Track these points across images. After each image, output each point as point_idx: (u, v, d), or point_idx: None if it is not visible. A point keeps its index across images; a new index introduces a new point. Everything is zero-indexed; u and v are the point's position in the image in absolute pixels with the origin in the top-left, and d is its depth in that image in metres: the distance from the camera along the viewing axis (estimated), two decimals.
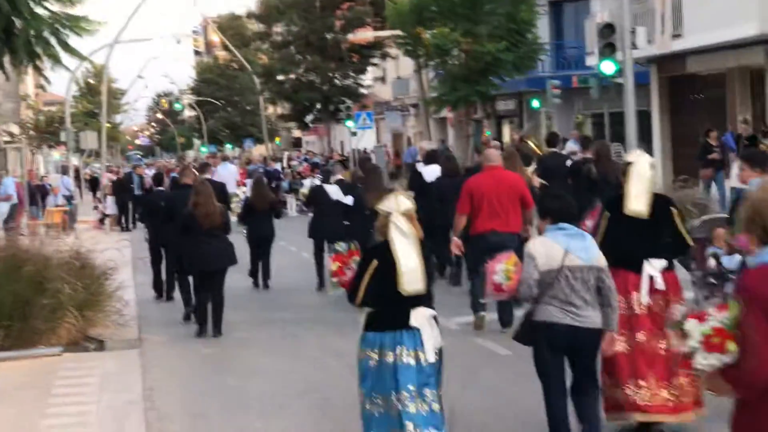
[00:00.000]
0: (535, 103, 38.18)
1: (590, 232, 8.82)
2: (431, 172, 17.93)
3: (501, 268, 8.25)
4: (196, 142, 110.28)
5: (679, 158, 28.98)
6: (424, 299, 7.87)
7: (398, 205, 7.93)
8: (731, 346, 4.53)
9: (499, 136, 43.29)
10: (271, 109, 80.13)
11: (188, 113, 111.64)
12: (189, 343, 14.78)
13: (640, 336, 8.83)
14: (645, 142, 33.82)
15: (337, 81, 54.89)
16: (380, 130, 66.49)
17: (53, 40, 16.01)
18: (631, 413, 8.85)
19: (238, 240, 18.76)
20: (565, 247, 7.96)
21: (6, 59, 16.19)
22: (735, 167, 25.12)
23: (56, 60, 16.19)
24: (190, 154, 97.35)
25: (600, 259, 8.08)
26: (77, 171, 56.63)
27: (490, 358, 12.40)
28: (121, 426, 10.62)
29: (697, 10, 29.54)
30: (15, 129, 69.27)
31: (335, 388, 11.36)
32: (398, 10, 36.46)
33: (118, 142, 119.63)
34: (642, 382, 8.78)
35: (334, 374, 12.13)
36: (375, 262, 7.85)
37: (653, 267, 7.23)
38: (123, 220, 35.87)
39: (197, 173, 18.39)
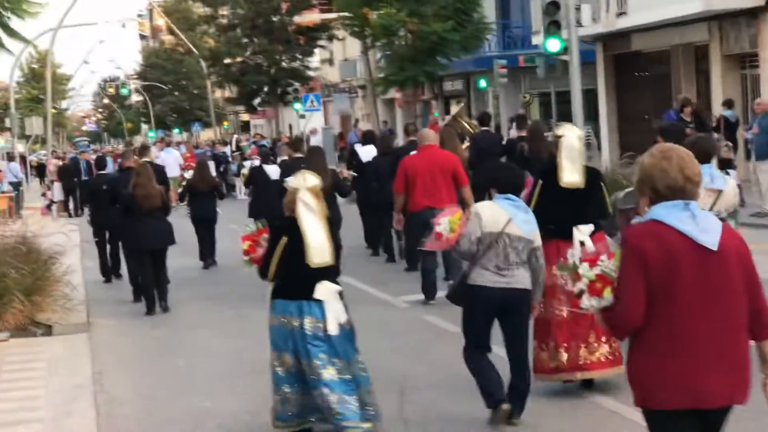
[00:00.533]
0: (482, 83, 38.27)
1: (525, 201, 9.11)
2: (367, 152, 18.78)
3: (445, 220, 8.67)
4: (144, 127, 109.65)
5: (625, 135, 29.20)
6: (330, 273, 8.27)
7: (305, 181, 8.31)
8: (607, 292, 5.12)
9: (453, 116, 43.38)
10: (218, 93, 79.76)
11: (135, 98, 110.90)
12: (138, 326, 14.73)
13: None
14: (592, 119, 34.07)
15: (284, 64, 54.76)
16: (328, 113, 66.39)
17: None
18: (572, 372, 9.37)
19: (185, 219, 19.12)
20: (509, 215, 8.40)
21: None
22: None
23: None
24: (138, 140, 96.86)
25: (537, 236, 8.53)
26: (23, 157, 56.06)
27: (439, 334, 12.43)
28: (70, 409, 10.55)
29: None
30: None
31: None
32: None
33: (65, 128, 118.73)
34: (581, 343, 9.28)
35: None
36: (284, 239, 8.27)
37: (582, 232, 7.04)
38: (71, 206, 35.59)
39: (138, 156, 18.69)
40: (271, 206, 13.50)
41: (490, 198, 8.80)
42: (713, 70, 28.91)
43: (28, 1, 15.97)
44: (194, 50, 62.99)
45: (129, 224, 15.69)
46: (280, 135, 56.03)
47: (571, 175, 9.44)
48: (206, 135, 79.57)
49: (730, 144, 22.64)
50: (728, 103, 24.88)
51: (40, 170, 57.55)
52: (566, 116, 34.03)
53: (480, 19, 35.74)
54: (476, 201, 9.88)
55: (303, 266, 8.17)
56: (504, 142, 18.52)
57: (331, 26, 54.68)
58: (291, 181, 8.46)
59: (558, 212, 9.25)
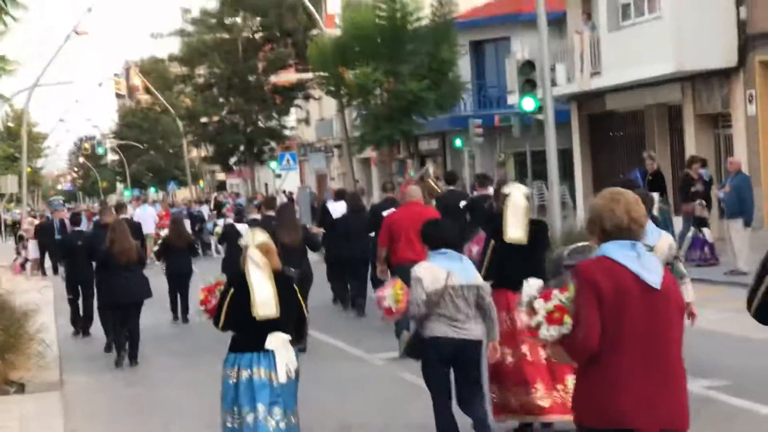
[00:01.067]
0: (458, 142, 38.46)
1: (478, 257, 10.12)
2: (338, 209, 19.47)
3: (389, 293, 9.15)
4: (119, 186, 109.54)
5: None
6: (280, 324, 8.55)
7: (254, 239, 8.78)
8: (567, 319, 5.52)
9: (421, 176, 43.48)
10: (194, 152, 79.84)
11: (111, 157, 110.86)
12: (111, 384, 14.63)
13: (524, 348, 9.84)
14: (567, 178, 34.25)
15: (260, 123, 54.87)
16: (304, 172, 66.50)
17: None
18: (527, 416, 9.84)
19: (160, 277, 19.18)
20: (447, 269, 8.94)
21: None
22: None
23: None
24: (113, 198, 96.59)
25: (478, 279, 9.13)
26: None
27: (416, 392, 12.35)
28: None
29: (614, 48, 30.02)
30: None
31: None
32: (320, 50, 36.55)
33: (40, 187, 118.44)
34: (531, 388, 9.79)
35: None
36: (232, 290, 8.70)
37: (531, 287, 7.46)
38: (47, 264, 35.37)
39: (114, 212, 19.35)
40: None
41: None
42: (687, 130, 29.15)
43: (4, 59, 15.93)
44: (171, 109, 63.15)
45: (105, 278, 16.11)
46: (255, 194, 56.06)
47: (514, 231, 10.03)
48: (182, 194, 79.54)
49: (704, 203, 22.77)
50: (703, 162, 25.01)
51: (15, 228, 57.28)
52: (541, 175, 34.28)
53: (455, 79, 35.95)
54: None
55: (252, 319, 8.50)
56: (462, 203, 18.80)
57: (307, 86, 54.92)
58: (242, 240, 8.95)
59: (507, 266, 9.87)
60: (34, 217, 49.35)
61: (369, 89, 34.98)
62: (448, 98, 35.70)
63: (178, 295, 20.30)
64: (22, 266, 36.47)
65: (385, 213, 16.52)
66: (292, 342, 8.66)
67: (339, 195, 20.98)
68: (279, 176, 52.41)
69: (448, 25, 35.56)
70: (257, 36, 54.54)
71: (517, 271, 8.66)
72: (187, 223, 37.19)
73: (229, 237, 18.39)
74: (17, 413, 12.93)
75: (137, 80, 78.11)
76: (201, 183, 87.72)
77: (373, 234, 17.05)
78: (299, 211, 25.33)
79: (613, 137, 34.33)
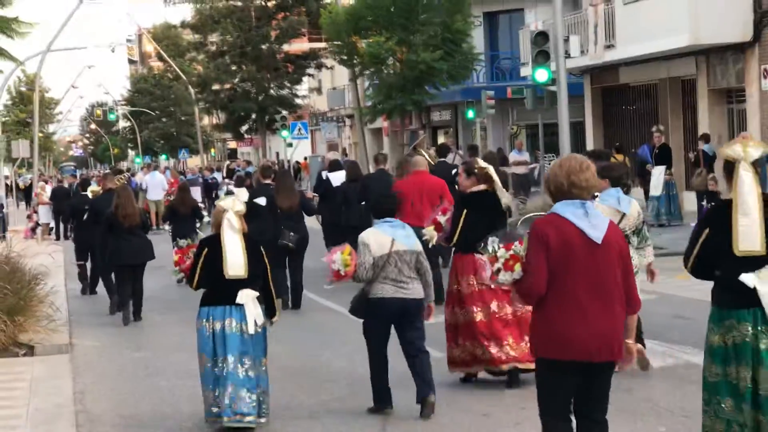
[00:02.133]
0: (470, 114, 38.32)
1: (451, 222, 11.17)
2: (337, 178, 20.00)
3: (338, 258, 9.90)
4: (131, 153, 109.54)
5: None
6: (248, 283, 9.61)
7: (234, 204, 9.70)
8: (518, 267, 6.75)
9: (414, 146, 43.44)
10: (206, 120, 79.78)
11: (123, 124, 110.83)
12: (120, 348, 14.68)
13: (493, 305, 10.81)
14: (579, 151, 34.11)
15: (272, 91, 54.71)
16: (315, 141, 66.45)
17: None
18: (502, 365, 10.75)
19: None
20: (391, 236, 9.90)
21: None
22: (654, 176, 25.61)
23: None
24: (124, 165, 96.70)
25: (418, 245, 10.07)
26: (7, 182, 55.90)
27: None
28: (51, 428, 10.51)
29: (629, 21, 29.85)
30: None
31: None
32: (333, 19, 36.38)
33: (52, 153, 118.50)
34: (503, 342, 10.74)
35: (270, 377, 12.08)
36: (206, 250, 9.76)
37: (495, 239, 8.17)
38: (61, 229, 35.43)
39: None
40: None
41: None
42: (700, 104, 29.03)
43: (18, 21, 15.90)
44: (183, 76, 63.03)
45: (111, 241, 16.92)
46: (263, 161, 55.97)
47: (506, 199, 11.29)
48: (193, 162, 79.55)
49: (716, 178, 22.79)
50: (705, 137, 25.67)
51: (26, 193, 57.34)
52: (553, 148, 34.20)
53: (469, 50, 35.79)
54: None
55: (223, 276, 9.56)
56: (453, 172, 19.15)
57: (319, 55, 54.76)
58: (222, 202, 9.82)
59: (478, 231, 9.71)
60: (46, 182, 49.39)
61: (382, 58, 34.83)
62: (461, 69, 35.51)
63: None
64: (33, 230, 36.51)
65: (379, 184, 17.80)
66: (260, 299, 9.66)
67: (334, 165, 21.16)
68: (290, 145, 52.28)
69: None
70: (270, 4, 54.28)
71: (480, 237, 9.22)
72: (198, 191, 37.44)
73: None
74: (27, 375, 13.00)
75: (149, 47, 77.89)
76: (212, 151, 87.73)
77: (364, 202, 17.80)
78: (310, 178, 25.44)
79: (626, 111, 34.21)
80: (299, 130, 48.56)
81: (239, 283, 9.59)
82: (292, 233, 16.46)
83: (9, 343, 14.43)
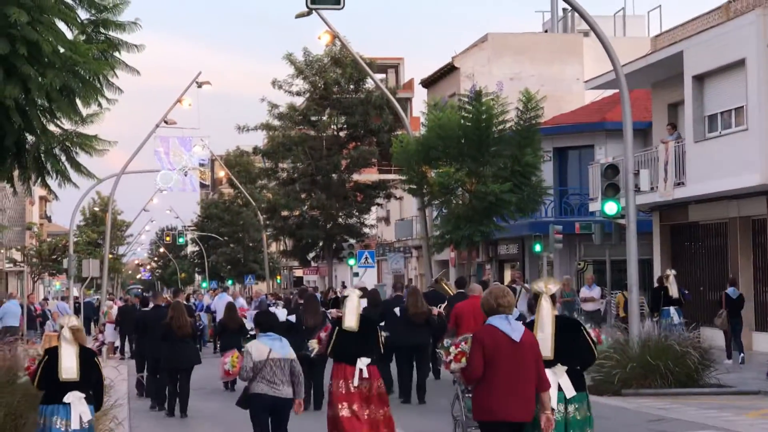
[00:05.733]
0: (537, 248, 38.32)
1: (326, 338, 15.10)
2: (362, 303, 21.96)
3: (229, 360, 12.87)
4: (197, 277, 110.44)
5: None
6: (80, 386, 11.70)
7: (68, 322, 12.01)
8: (464, 360, 10.06)
9: (501, 279, 43.37)
10: (273, 246, 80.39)
11: (191, 248, 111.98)
12: None
13: (355, 406, 14.19)
14: (647, 289, 33.83)
15: (340, 219, 55.15)
16: (381, 271, 66.62)
17: (63, 158, 16.08)
18: None
19: None
20: (269, 347, 12.64)
21: (15, 174, 16.31)
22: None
23: (65, 176, 16.22)
24: (190, 289, 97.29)
25: (291, 354, 12.75)
26: (76, 300, 56.51)
27: None
28: None
29: (700, 159, 29.90)
30: (18, 255, 69.62)
31: None
32: (404, 147, 36.75)
33: (120, 274, 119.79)
34: None
35: None
36: (46, 358, 11.95)
37: (362, 362, 14.22)
38: (126, 348, 35.69)
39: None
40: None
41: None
42: None
43: (98, 138, 16.20)
44: (252, 202, 63.76)
45: (166, 347, 20.21)
46: (329, 291, 56.09)
47: (349, 321, 14.71)
48: (259, 288, 80.00)
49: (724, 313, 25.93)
50: (731, 281, 27.78)
51: (97, 312, 57.80)
52: (620, 284, 34.00)
53: (538, 183, 35.93)
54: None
55: (57, 379, 11.65)
56: None
57: (389, 185, 55.21)
58: (59, 320, 12.42)
59: (345, 347, 14.59)
60: (113, 300, 49.84)
61: (451, 189, 35.04)
62: (530, 202, 35.58)
63: None
64: (99, 350, 36.72)
65: (395, 309, 21.48)
66: (88, 399, 11.74)
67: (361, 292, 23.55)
68: (356, 274, 52.52)
69: (532, 130, 35.60)
70: (342, 133, 55.05)
71: (353, 351, 14.50)
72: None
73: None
74: None
75: (221, 172, 79.03)
76: (278, 278, 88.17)
77: (383, 323, 20.52)
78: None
79: (695, 248, 34.01)
80: (366, 259, 48.81)
81: (70, 386, 11.70)
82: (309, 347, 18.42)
83: None
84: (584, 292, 33.23)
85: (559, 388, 10.62)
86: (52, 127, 15.89)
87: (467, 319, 17.44)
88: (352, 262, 51.71)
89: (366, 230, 58.13)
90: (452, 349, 10.15)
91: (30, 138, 15.69)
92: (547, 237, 37.35)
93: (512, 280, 26.59)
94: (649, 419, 17.67)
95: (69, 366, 11.65)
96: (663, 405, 19.26)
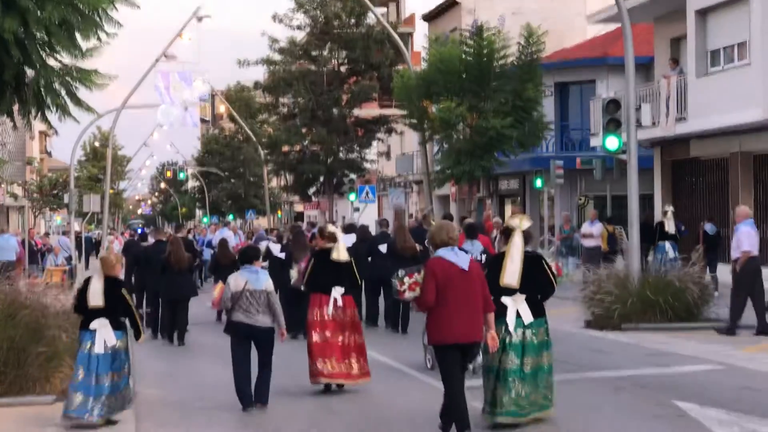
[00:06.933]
0: (538, 183, 38.30)
1: (304, 269, 15.69)
2: (349, 239, 22.35)
3: (216, 292, 14.36)
4: (198, 212, 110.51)
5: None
6: (107, 312, 12.73)
7: (102, 252, 13.18)
8: (418, 289, 11.02)
9: (501, 215, 43.39)
10: (274, 182, 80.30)
11: (192, 183, 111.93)
12: (182, 397, 14.74)
13: (327, 333, 14.86)
14: (647, 223, 33.82)
15: (341, 154, 55.06)
16: (382, 206, 66.63)
17: (63, 92, 16.03)
18: (321, 378, 14.78)
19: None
20: (245, 279, 13.70)
21: (15, 108, 16.27)
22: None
23: (65, 111, 16.17)
24: (190, 224, 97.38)
25: (269, 285, 13.80)
26: (78, 235, 56.61)
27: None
28: None
29: (702, 94, 29.77)
30: (18, 191, 69.59)
31: None
32: (405, 83, 36.61)
33: (121, 209, 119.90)
34: (327, 360, 14.75)
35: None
36: (82, 286, 13.11)
37: (337, 292, 14.99)
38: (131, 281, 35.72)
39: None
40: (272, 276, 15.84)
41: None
42: None
43: (98, 73, 16.13)
44: (253, 137, 63.61)
45: (164, 280, 21.64)
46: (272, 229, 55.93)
47: (337, 254, 15.32)
48: (259, 223, 80.00)
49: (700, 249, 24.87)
50: (710, 219, 29.10)
51: (97, 247, 57.93)
52: (621, 220, 34.03)
53: (539, 118, 35.83)
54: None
55: (87, 307, 12.83)
56: None
57: (389, 120, 55.06)
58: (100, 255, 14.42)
59: (322, 278, 15.15)
60: (114, 235, 49.90)
61: (452, 124, 34.93)
62: (531, 137, 35.52)
63: None
64: None
65: (380, 246, 22.77)
66: (115, 325, 12.69)
67: (348, 229, 24.95)
68: (357, 209, 52.48)
69: (534, 65, 35.44)
70: (343, 68, 54.81)
71: (329, 281, 15.05)
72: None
73: (268, 256, 22.80)
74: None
75: (222, 107, 78.69)
76: (279, 213, 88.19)
77: (369, 258, 22.54)
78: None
79: (696, 184, 33.98)
80: (367, 194, 48.75)
81: (96, 312, 12.74)
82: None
83: None
84: (585, 227, 33.22)
85: (518, 315, 11.79)
86: (51, 62, 15.86)
87: None
88: (352, 197, 51.69)
89: (367, 165, 58.03)
90: (406, 279, 11.03)
91: (29, 72, 15.67)
92: (547, 172, 37.31)
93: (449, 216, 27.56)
94: (648, 353, 17.78)
95: (95, 293, 12.73)
96: (662, 339, 19.37)
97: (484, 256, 16.48)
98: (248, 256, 14.14)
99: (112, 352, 12.68)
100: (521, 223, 12.05)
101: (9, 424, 12.90)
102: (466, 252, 11.43)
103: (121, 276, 13.34)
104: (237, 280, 13.70)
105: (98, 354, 12.60)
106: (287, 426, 12.58)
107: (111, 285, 12.87)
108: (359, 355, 14.93)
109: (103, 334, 12.64)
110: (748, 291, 19.86)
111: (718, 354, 17.43)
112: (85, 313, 12.84)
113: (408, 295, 11.04)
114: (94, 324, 12.68)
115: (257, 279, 13.72)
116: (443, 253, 11.01)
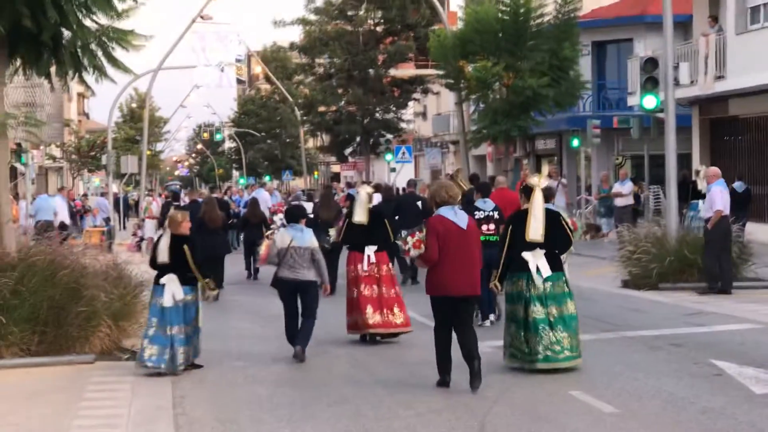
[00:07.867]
0: (575, 143, 38.09)
1: (339, 228, 17.13)
2: (375, 199, 22.51)
3: (261, 246, 15.05)
4: (235, 173, 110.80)
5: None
6: (172, 268, 13.48)
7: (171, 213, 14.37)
8: (422, 246, 11.67)
9: (451, 175, 43.15)
10: (311, 143, 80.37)
11: (228, 144, 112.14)
12: (221, 356, 14.81)
13: (364, 287, 15.63)
14: (684, 181, 33.63)
15: (377, 115, 54.99)
16: (419, 166, 66.55)
17: (100, 53, 16.04)
18: (363, 329, 15.57)
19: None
20: (291, 236, 14.36)
21: (52, 70, 16.31)
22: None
23: (101, 72, 16.20)
24: (227, 185, 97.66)
25: (313, 242, 14.41)
26: (116, 196, 56.92)
27: (519, 376, 12.39)
28: (151, 428, 10.64)
29: (741, 52, 29.49)
30: (57, 152, 69.97)
31: (366, 400, 11.39)
32: (441, 42, 36.46)
33: (158, 170, 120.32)
34: (370, 312, 15.49)
35: (366, 387, 12.16)
36: (156, 242, 14.18)
37: (369, 249, 15.69)
38: None
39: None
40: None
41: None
42: None
43: (134, 33, 16.14)
44: (289, 98, 63.62)
45: (199, 239, 21.18)
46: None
47: (359, 216, 16.10)
48: (296, 184, 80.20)
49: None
50: (740, 176, 28.41)
51: (135, 208, 58.29)
52: (659, 179, 33.84)
53: (576, 78, 35.60)
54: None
55: (158, 264, 13.62)
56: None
57: (426, 80, 54.88)
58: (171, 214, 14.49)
59: (356, 237, 16.09)
60: (152, 196, 50.14)
61: (488, 83, 34.79)
62: (567, 96, 35.31)
63: (252, 258, 25.64)
64: (138, 245, 37.05)
65: (417, 202, 23.27)
66: (183, 280, 13.43)
67: (375, 188, 24.38)
68: (393, 170, 52.46)
69: (571, 24, 35.18)
70: (379, 28, 54.63)
71: (362, 241, 15.85)
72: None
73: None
74: (129, 378, 13.21)
75: (258, 68, 78.66)
76: (315, 174, 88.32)
77: (397, 217, 22.06)
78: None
79: (735, 143, 33.71)
80: (403, 153, 48.71)
81: (165, 268, 13.52)
82: (328, 237, 20.12)
83: (113, 347, 14.70)
84: (616, 187, 33.19)
85: (537, 269, 12.51)
86: (88, 22, 15.86)
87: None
88: (389, 157, 51.65)
89: (403, 125, 57.95)
90: (409, 238, 11.74)
91: (66, 33, 15.67)
92: (584, 132, 37.10)
93: (548, 175, 26.56)
94: (686, 313, 17.72)
95: (162, 250, 13.62)
96: (700, 299, 19.30)
97: (495, 213, 16.87)
98: (294, 215, 14.76)
99: (183, 305, 13.44)
100: (540, 180, 12.72)
101: (52, 380, 13.06)
102: (478, 209, 12.84)
103: (187, 233, 13.86)
104: (283, 237, 14.38)
105: (169, 307, 13.32)
106: (325, 381, 12.63)
107: (176, 242, 13.61)
108: (399, 306, 15.62)
109: (171, 289, 13.40)
110: (720, 249, 19.97)
111: (756, 313, 17.36)
112: (156, 268, 13.65)
113: (413, 252, 11.77)
114: (164, 279, 13.46)
115: (302, 236, 14.36)
116: (443, 211, 11.74)
